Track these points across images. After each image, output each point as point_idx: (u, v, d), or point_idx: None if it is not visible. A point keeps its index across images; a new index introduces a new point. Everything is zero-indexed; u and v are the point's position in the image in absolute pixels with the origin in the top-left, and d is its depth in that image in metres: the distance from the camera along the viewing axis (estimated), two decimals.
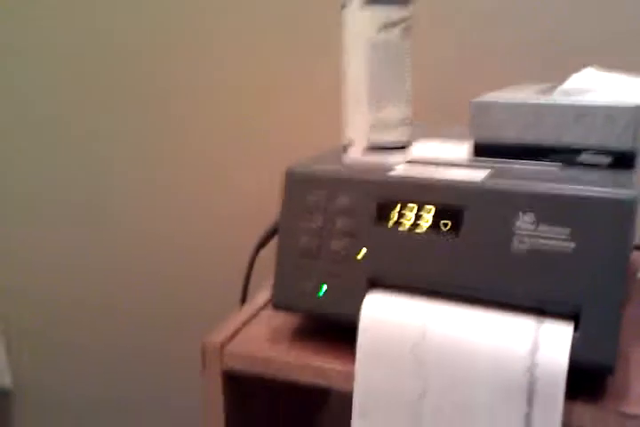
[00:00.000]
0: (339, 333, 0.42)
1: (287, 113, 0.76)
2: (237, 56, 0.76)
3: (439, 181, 0.37)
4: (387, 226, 0.38)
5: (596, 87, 0.44)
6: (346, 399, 0.40)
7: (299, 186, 0.40)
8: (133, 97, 0.81)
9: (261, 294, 0.49)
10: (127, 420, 0.97)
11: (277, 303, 0.41)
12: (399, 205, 0.38)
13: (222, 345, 0.42)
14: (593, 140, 0.40)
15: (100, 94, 0.83)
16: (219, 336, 0.42)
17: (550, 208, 0.34)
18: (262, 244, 0.48)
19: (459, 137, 0.52)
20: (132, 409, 0.96)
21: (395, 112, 0.39)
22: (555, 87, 0.46)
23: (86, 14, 0.80)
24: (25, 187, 0.91)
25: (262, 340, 0.43)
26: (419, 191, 0.37)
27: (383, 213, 0.38)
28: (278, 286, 0.41)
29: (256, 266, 0.50)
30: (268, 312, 0.47)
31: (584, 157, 0.40)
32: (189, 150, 0.82)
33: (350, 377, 0.38)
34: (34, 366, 1.00)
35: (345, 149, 0.42)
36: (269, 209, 0.42)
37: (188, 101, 0.80)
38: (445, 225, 0.37)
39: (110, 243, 0.89)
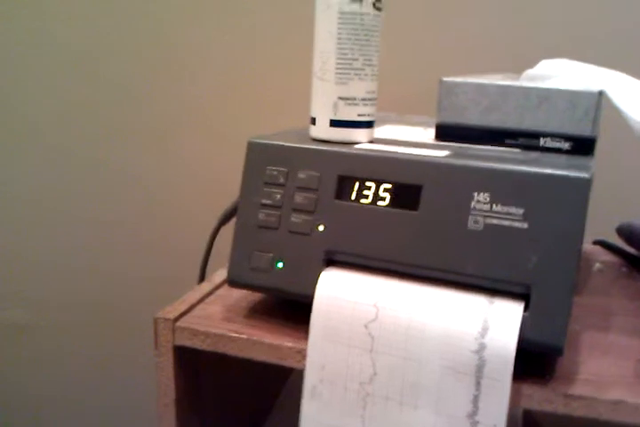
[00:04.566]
0: (295, 311, 0.42)
1: (258, 91, 0.76)
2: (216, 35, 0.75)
3: (400, 155, 0.37)
4: (347, 200, 0.38)
5: (562, 74, 0.44)
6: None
7: (259, 157, 0.40)
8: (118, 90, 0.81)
9: (220, 273, 0.49)
10: (84, 393, 0.96)
11: (233, 279, 0.41)
12: (359, 179, 0.38)
13: (174, 321, 0.41)
14: (553, 125, 0.40)
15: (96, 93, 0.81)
16: (171, 312, 0.42)
17: (505, 187, 0.34)
18: (224, 221, 0.47)
19: (424, 124, 0.52)
20: (89, 383, 0.95)
21: (361, 86, 0.39)
22: None
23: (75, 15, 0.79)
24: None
25: (216, 317, 0.42)
26: (379, 165, 0.37)
27: (343, 186, 0.38)
28: (235, 261, 0.40)
29: (223, 247, 0.49)
30: (225, 290, 0.46)
31: (544, 142, 0.40)
32: (154, 125, 0.81)
33: (303, 355, 0.38)
34: None
35: (310, 123, 0.42)
36: (236, 186, 0.42)
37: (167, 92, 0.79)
38: (404, 200, 0.36)
39: (71, 217, 0.87)
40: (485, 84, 0.41)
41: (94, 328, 0.91)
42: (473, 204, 0.35)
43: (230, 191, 0.49)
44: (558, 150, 0.40)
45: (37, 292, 0.92)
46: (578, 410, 0.34)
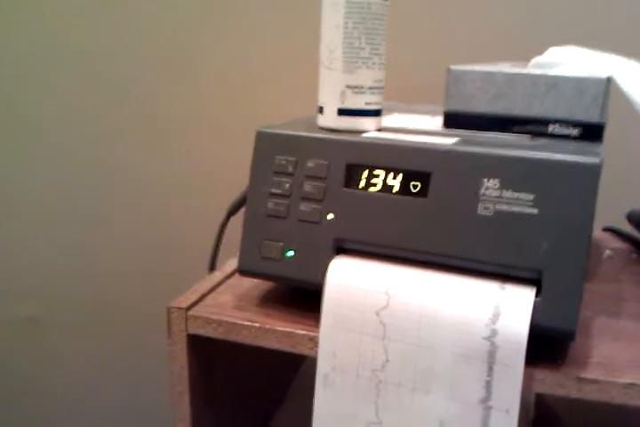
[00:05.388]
0: (306, 298, 0.42)
1: (262, 85, 0.76)
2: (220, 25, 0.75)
3: (408, 143, 0.37)
4: (355, 188, 0.38)
5: (569, 61, 0.44)
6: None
7: (268, 147, 0.40)
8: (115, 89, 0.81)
9: (230, 263, 0.49)
10: (93, 389, 0.97)
11: (243, 268, 0.41)
12: (368, 167, 0.38)
13: (187, 310, 0.41)
14: (562, 111, 0.40)
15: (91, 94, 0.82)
16: (184, 301, 0.42)
17: (515, 173, 0.34)
18: (233, 211, 0.48)
19: (432, 113, 0.52)
20: (98, 380, 0.96)
21: (368, 75, 0.39)
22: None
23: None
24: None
25: (228, 305, 0.42)
26: (388, 153, 0.37)
27: (352, 174, 0.38)
28: (245, 250, 0.41)
29: (233, 236, 0.49)
30: (236, 280, 0.47)
31: (552, 129, 0.40)
32: (161, 121, 0.81)
33: (316, 342, 0.38)
34: None
35: (318, 112, 0.42)
36: (242, 179, 0.42)
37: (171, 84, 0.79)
38: (413, 188, 0.37)
39: (79, 214, 0.88)
40: (493, 72, 0.41)
41: (104, 324, 0.92)
42: (482, 190, 0.35)
43: (237, 184, 0.49)
44: (567, 137, 0.40)
45: (46, 287, 0.93)
46: (590, 394, 0.34)
